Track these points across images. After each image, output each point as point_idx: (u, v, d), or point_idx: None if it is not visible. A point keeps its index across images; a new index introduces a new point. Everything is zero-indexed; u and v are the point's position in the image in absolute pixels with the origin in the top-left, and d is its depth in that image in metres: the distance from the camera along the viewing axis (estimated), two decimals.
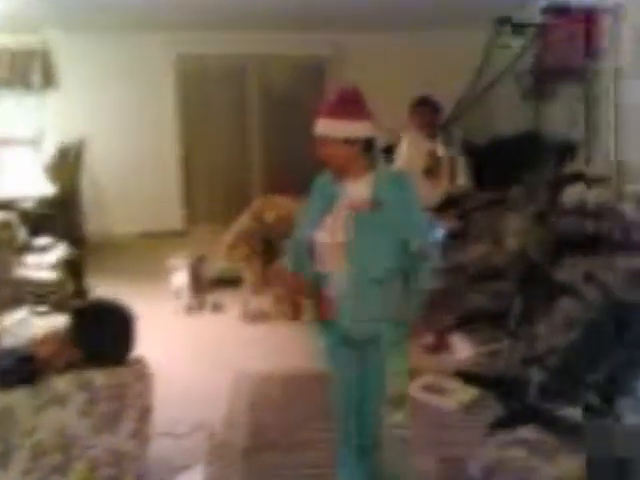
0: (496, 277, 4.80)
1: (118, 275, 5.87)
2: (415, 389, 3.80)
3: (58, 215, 5.96)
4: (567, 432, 3.01)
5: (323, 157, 2.48)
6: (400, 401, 2.60)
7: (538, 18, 5.07)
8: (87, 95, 7.30)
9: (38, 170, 5.65)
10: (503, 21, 4.83)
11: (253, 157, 7.96)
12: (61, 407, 2.39)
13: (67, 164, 6.79)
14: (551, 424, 3.10)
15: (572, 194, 4.56)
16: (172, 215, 7.76)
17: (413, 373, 2.71)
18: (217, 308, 5.58)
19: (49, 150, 6.71)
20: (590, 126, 5.02)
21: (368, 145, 2.47)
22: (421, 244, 2.48)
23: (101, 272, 5.77)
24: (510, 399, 3.65)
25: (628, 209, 4.20)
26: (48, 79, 7.25)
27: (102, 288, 4.98)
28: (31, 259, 4.94)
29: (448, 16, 6.58)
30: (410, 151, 4.72)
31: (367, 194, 2.44)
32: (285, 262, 2.75)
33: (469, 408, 3.78)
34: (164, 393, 2.87)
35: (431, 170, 4.67)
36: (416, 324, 2.60)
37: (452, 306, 4.66)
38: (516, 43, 5.14)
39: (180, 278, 5.56)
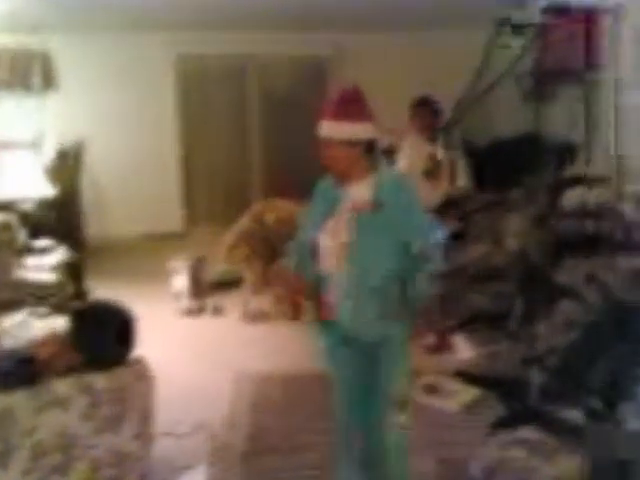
0: (496, 278, 4.80)
1: (118, 277, 5.86)
2: (416, 390, 3.80)
3: (58, 217, 5.96)
4: (567, 433, 3.01)
5: (326, 160, 2.48)
6: (402, 403, 2.60)
7: (538, 18, 5.07)
8: (87, 96, 7.30)
9: (38, 172, 5.64)
10: (503, 21, 4.83)
11: (253, 158, 7.95)
12: (62, 410, 2.38)
13: (67, 166, 6.79)
14: (551, 425, 3.10)
15: (572, 197, 4.56)
16: (172, 216, 7.76)
17: (414, 373, 2.70)
18: (217, 311, 5.57)
19: (49, 152, 6.70)
20: (590, 126, 5.02)
21: (370, 147, 2.47)
22: (422, 246, 2.47)
23: (101, 274, 5.77)
24: (511, 400, 3.65)
25: (628, 209, 4.20)
26: (48, 81, 7.25)
27: (102, 290, 4.97)
28: (31, 261, 4.94)
29: (449, 16, 6.58)
30: (410, 154, 4.72)
31: (369, 196, 2.43)
32: (287, 263, 2.75)
33: (470, 409, 3.78)
34: (165, 394, 2.87)
35: (431, 172, 4.66)
36: (417, 325, 2.60)
37: (453, 307, 4.66)
38: (516, 44, 5.14)
39: (180, 281, 5.55)
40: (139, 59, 7.33)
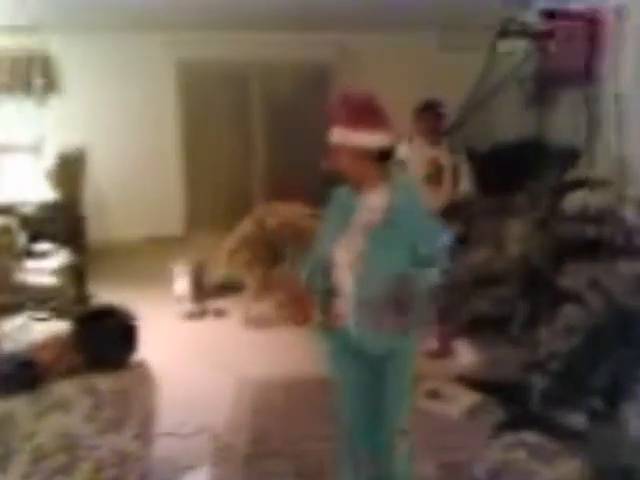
0: (499, 283, 4.79)
1: (120, 280, 5.85)
2: (418, 395, 3.79)
3: (60, 220, 5.95)
4: (568, 438, 3.00)
5: (338, 167, 2.45)
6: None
7: (540, 21, 5.07)
8: (88, 100, 7.29)
9: (38, 175, 5.65)
10: (507, 23, 4.83)
11: (255, 162, 7.94)
12: (64, 412, 2.38)
13: (69, 170, 6.78)
14: (553, 430, 3.09)
15: (574, 200, 4.56)
16: (174, 220, 7.74)
17: (416, 379, 2.69)
18: (219, 315, 5.56)
19: (50, 156, 6.70)
20: (592, 130, 5.01)
21: (384, 155, 2.44)
22: (431, 248, 2.47)
23: (103, 277, 5.76)
24: (513, 405, 3.64)
25: (630, 214, 4.19)
26: (49, 84, 7.25)
27: (104, 293, 4.97)
28: (31, 264, 4.93)
29: (449, 16, 6.56)
30: (412, 158, 4.71)
31: (383, 204, 2.42)
32: (300, 275, 2.70)
33: (472, 414, 3.77)
34: (166, 397, 2.86)
35: (432, 177, 4.65)
36: (424, 332, 2.60)
37: (455, 312, 4.64)
38: (518, 47, 5.13)
39: (182, 285, 5.55)
40: (139, 61, 7.31)
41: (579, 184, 4.66)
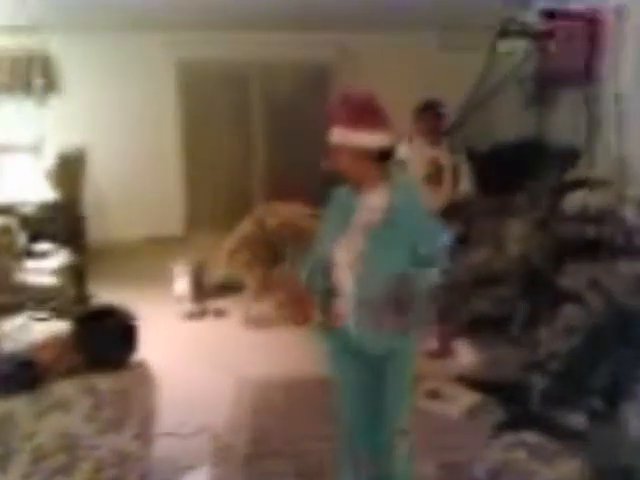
0: (499, 283, 4.79)
1: (120, 280, 5.85)
2: (418, 395, 3.79)
3: (60, 220, 5.95)
4: (568, 438, 3.00)
5: (338, 167, 2.45)
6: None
7: (540, 21, 5.07)
8: (88, 100, 7.29)
9: (38, 175, 5.64)
10: (507, 23, 4.83)
11: (255, 162, 7.94)
12: (64, 412, 2.38)
13: (68, 170, 6.78)
14: (553, 430, 3.09)
15: (574, 199, 4.56)
16: (174, 220, 7.74)
17: (416, 379, 2.69)
18: (219, 315, 5.56)
19: (50, 156, 6.70)
20: (592, 130, 5.01)
21: (384, 155, 2.44)
22: (431, 248, 2.47)
23: (103, 277, 5.76)
24: (513, 405, 3.64)
25: (630, 214, 4.19)
26: (49, 84, 7.25)
27: (104, 293, 4.97)
28: (31, 264, 4.93)
29: (449, 16, 6.56)
30: (412, 158, 4.71)
31: (383, 204, 2.42)
32: (300, 275, 2.70)
33: (472, 413, 3.77)
34: (166, 397, 2.86)
35: (432, 177, 4.65)
36: (424, 332, 2.60)
37: (455, 312, 4.64)
38: (518, 47, 5.13)
39: (182, 285, 5.55)
40: (139, 61, 7.31)
41: (579, 184, 4.66)
